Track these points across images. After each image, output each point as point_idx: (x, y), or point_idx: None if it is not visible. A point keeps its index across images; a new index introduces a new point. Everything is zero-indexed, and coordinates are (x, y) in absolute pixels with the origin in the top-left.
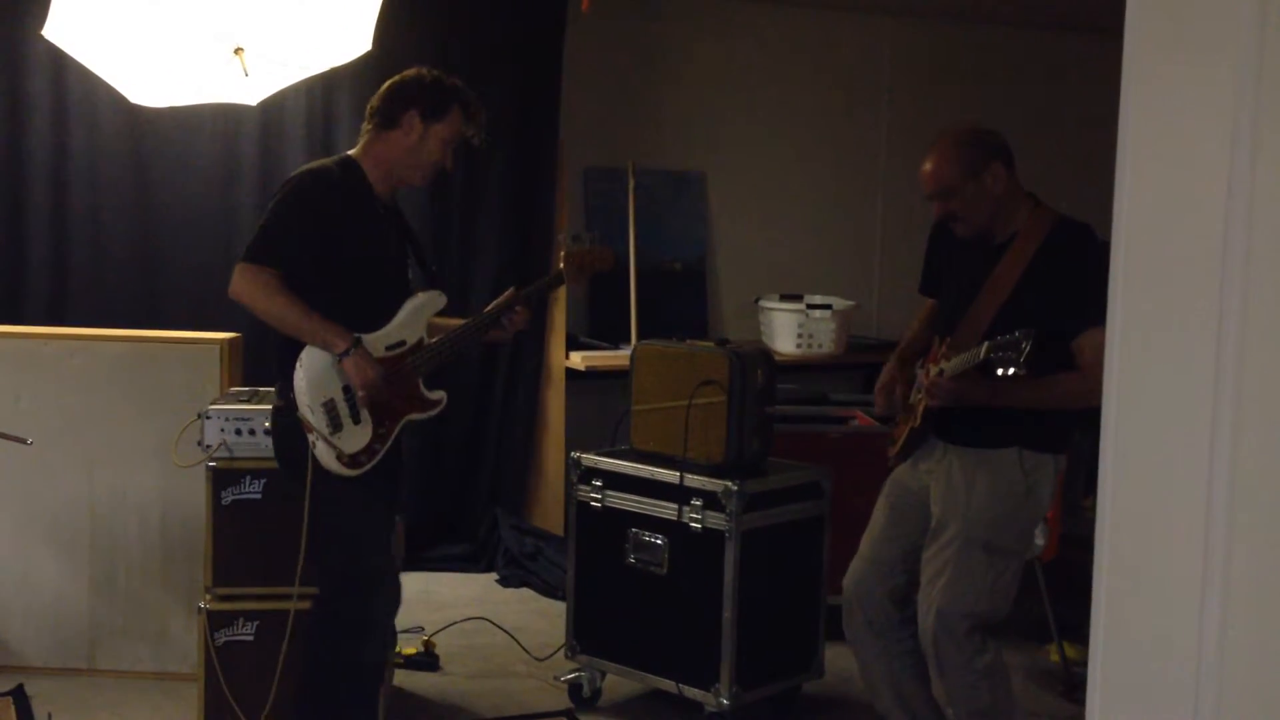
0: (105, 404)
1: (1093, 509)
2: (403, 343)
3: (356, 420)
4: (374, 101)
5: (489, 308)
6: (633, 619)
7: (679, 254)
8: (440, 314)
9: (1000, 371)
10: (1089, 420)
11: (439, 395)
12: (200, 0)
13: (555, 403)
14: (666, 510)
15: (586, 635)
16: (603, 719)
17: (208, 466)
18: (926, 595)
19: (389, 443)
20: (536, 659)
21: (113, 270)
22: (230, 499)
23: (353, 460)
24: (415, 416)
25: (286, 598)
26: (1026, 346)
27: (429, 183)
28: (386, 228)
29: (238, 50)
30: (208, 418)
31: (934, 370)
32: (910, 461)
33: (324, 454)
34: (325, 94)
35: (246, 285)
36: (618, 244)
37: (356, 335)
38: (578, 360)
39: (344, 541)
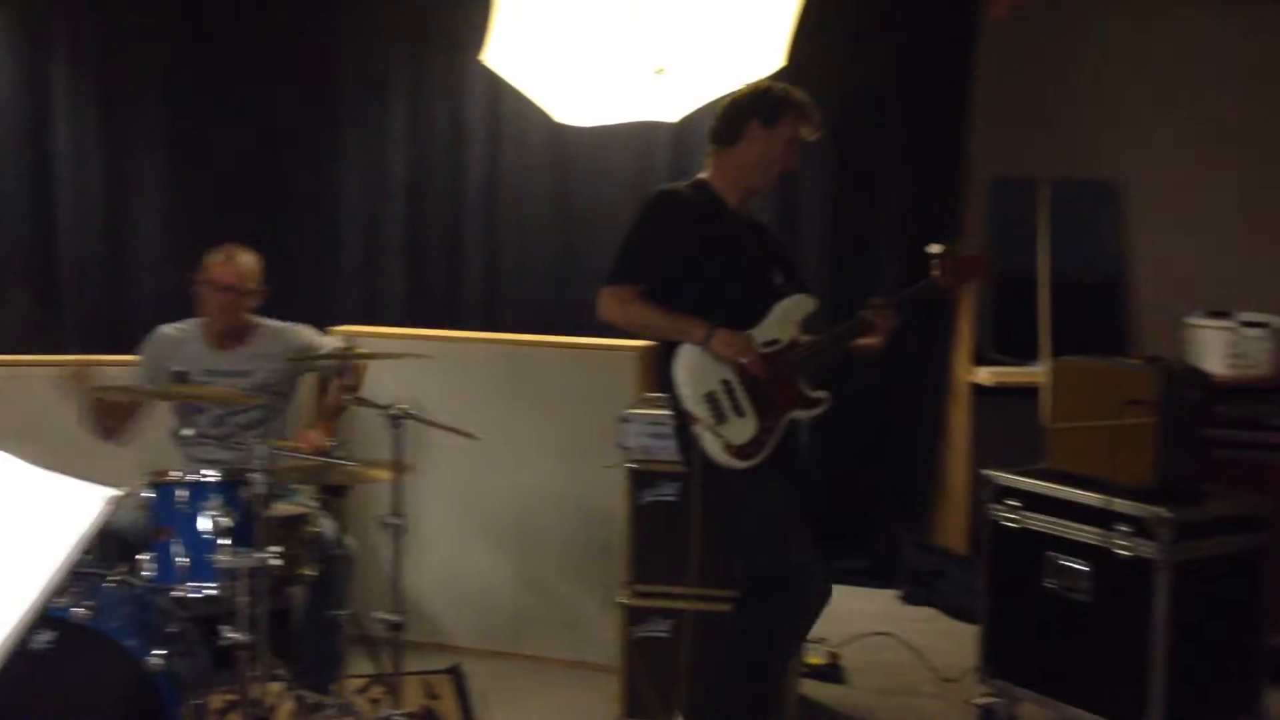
0: (531, 405)
1: None
2: (776, 341)
3: (740, 413)
4: (712, 124)
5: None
6: (1051, 646)
7: (1093, 267)
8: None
9: None
10: None
11: (822, 394)
12: (626, 23)
13: (960, 418)
14: (1089, 535)
15: (1000, 659)
16: None
17: (627, 467)
18: None
19: (776, 437)
20: (945, 679)
21: (538, 278)
22: (647, 499)
23: (741, 451)
24: (799, 414)
25: (700, 598)
26: None
27: (777, 186)
28: (742, 238)
29: (659, 70)
30: (628, 421)
31: None
32: None
33: (711, 445)
34: None
35: (607, 303)
36: (1026, 257)
37: (715, 323)
38: (985, 376)
39: (754, 540)
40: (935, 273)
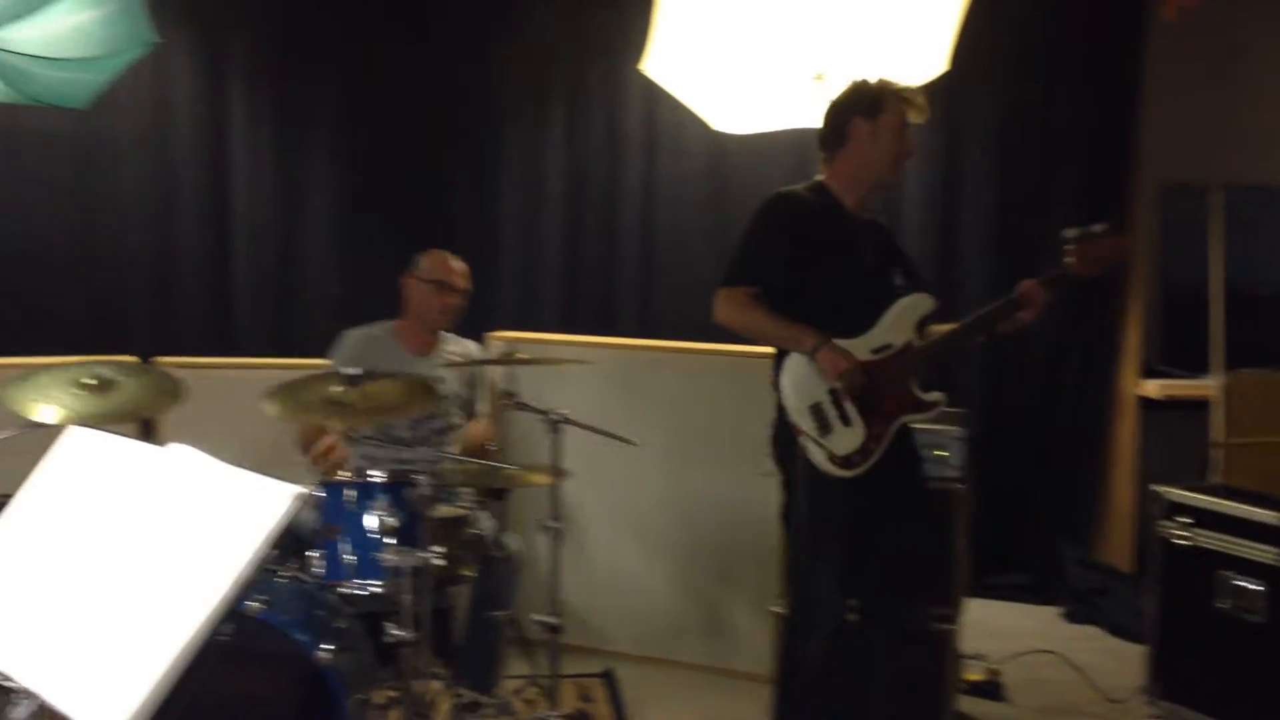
0: (686, 412)
1: None
2: (889, 345)
3: (846, 422)
4: (819, 131)
5: (994, 305)
6: (1222, 668)
7: (1267, 277)
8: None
9: None
10: None
11: (935, 396)
12: (787, 30)
13: (1126, 432)
14: (1265, 554)
15: (1168, 681)
16: None
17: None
18: None
19: (884, 444)
20: (1110, 700)
21: (693, 285)
22: None
23: (845, 461)
24: (911, 418)
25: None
26: None
27: (901, 178)
28: (860, 239)
29: (819, 76)
30: None
31: None
32: None
33: (816, 455)
34: None
35: (721, 306)
36: (1196, 266)
37: (826, 335)
38: (1153, 388)
39: (811, 551)
40: (1069, 259)
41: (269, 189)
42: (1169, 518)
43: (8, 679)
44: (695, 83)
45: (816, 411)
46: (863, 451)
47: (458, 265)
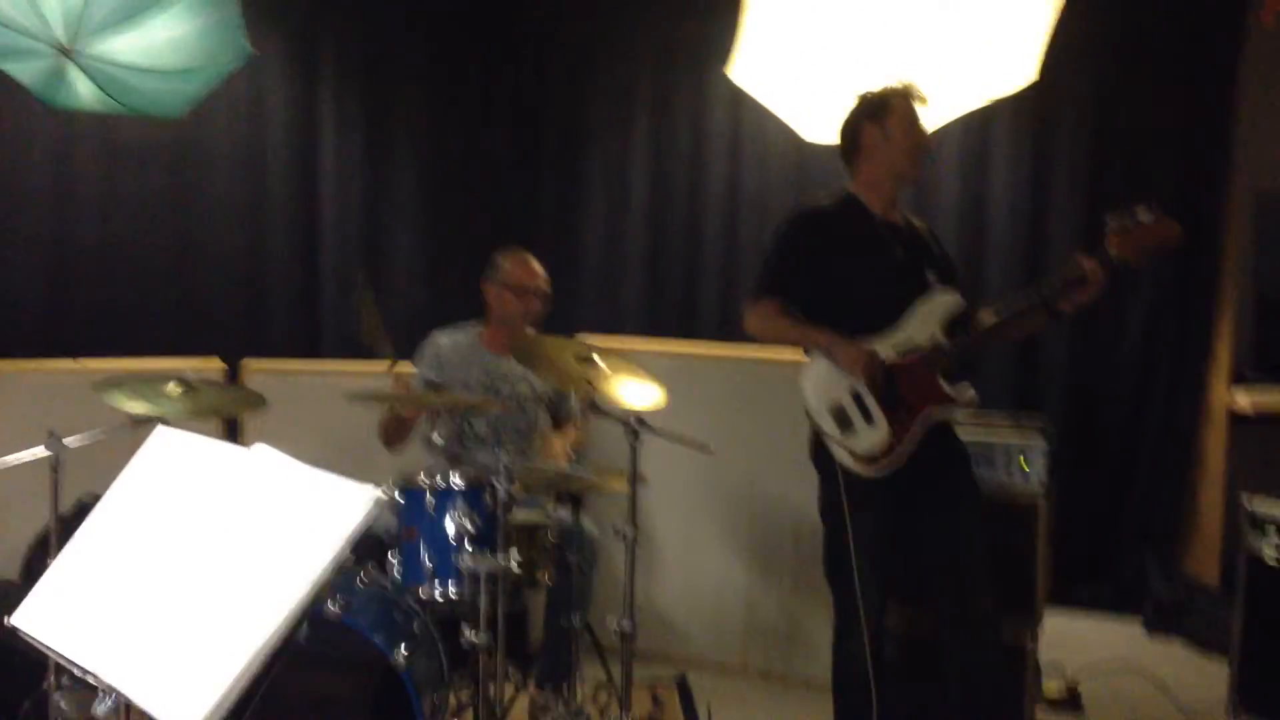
0: (767, 419)
1: None
2: (914, 345)
3: (870, 420)
4: (839, 149)
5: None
6: None
7: None
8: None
9: None
10: None
11: (966, 391)
12: (875, 38)
13: (1215, 444)
14: None
15: (1253, 698)
16: None
17: None
18: None
19: (911, 441)
20: (1191, 715)
21: None
22: None
23: (870, 460)
24: (937, 411)
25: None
26: None
27: (921, 170)
28: (888, 240)
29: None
30: None
31: None
32: None
33: (840, 455)
34: (982, 121)
35: (749, 318)
36: None
37: (839, 331)
38: (1244, 403)
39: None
40: (1110, 246)
41: (357, 196)
42: (1257, 531)
43: (92, 675)
44: (781, 90)
45: (837, 412)
46: (888, 448)
47: (538, 267)
